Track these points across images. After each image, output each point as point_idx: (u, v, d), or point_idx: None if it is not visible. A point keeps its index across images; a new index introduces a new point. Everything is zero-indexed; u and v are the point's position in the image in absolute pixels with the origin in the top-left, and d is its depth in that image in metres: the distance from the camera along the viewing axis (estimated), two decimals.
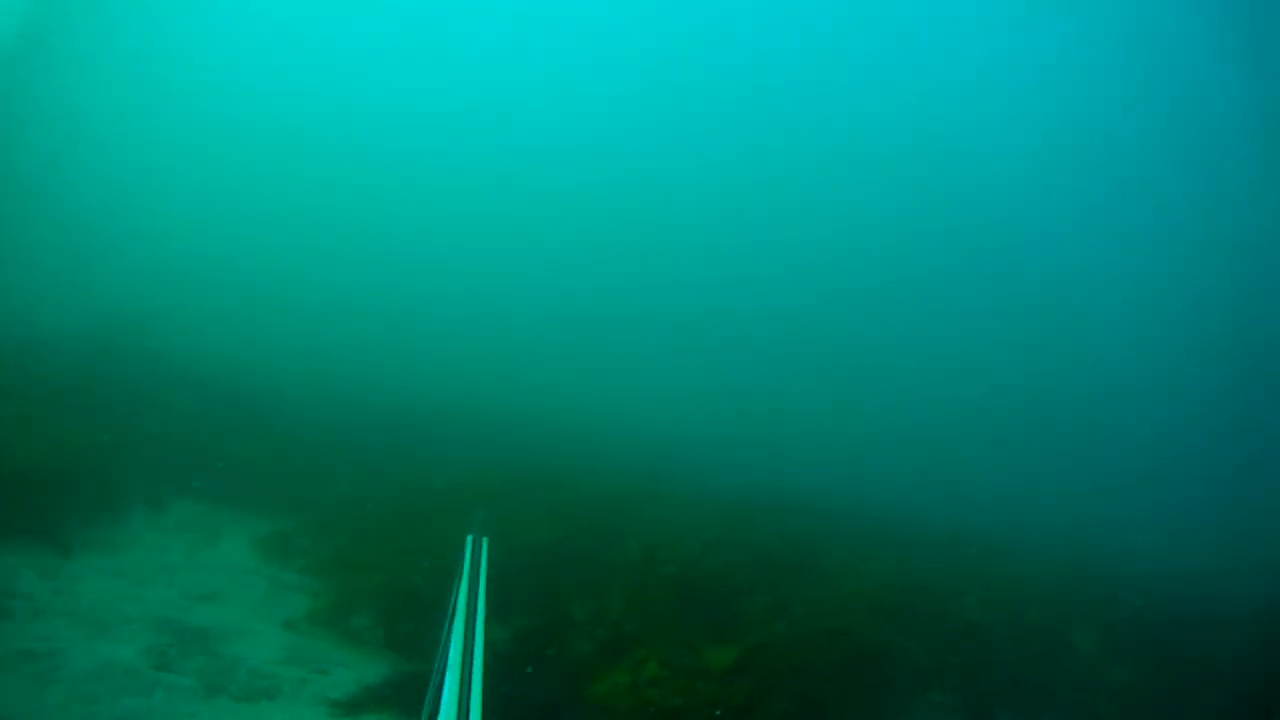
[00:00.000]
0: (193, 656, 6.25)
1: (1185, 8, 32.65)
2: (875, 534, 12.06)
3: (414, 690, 6.28)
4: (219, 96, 33.58)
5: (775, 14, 42.05)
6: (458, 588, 2.95)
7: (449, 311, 25.49)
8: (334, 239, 28.61)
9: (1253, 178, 32.69)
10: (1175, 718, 8.08)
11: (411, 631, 7.33)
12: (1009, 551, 12.40)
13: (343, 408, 13.12)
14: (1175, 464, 20.76)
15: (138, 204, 22.62)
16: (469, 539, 3.31)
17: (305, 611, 7.39)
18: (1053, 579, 11.25)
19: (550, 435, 14.72)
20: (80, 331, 12.38)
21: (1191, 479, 19.63)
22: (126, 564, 7.71)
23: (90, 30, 27.75)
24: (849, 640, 7.49)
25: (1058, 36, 39.34)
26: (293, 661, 6.64)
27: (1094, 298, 35.67)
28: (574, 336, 25.85)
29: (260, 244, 25.06)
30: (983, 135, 40.36)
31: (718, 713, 6.02)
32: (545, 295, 30.33)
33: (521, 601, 7.53)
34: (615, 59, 42.95)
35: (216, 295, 18.44)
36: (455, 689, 2.10)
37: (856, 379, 27.22)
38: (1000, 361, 30.45)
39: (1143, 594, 10.64)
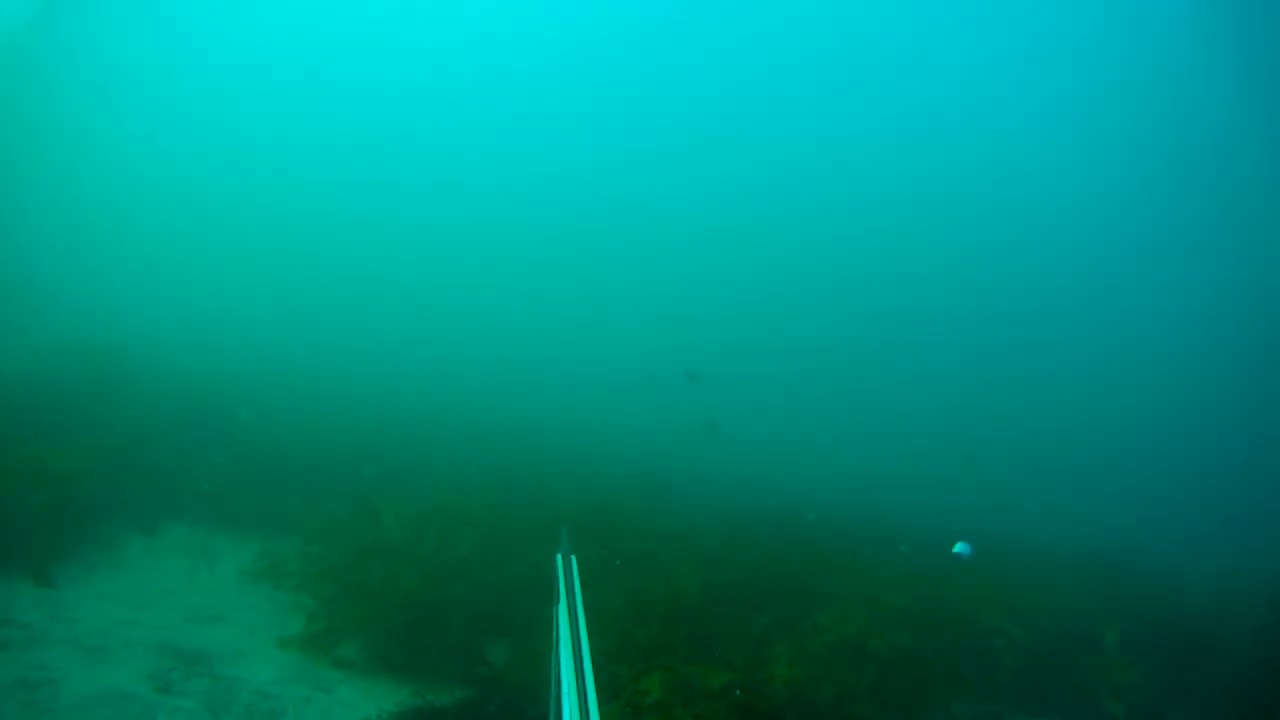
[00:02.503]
0: (195, 679, 6.10)
1: (1193, 12, 32.96)
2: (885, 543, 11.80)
3: (414, 712, 6.13)
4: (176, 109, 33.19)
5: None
6: (557, 613, 2.88)
7: (443, 325, 25.18)
8: (314, 251, 28.21)
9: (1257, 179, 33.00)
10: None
11: (409, 651, 7.17)
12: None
13: (334, 429, 12.88)
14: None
15: (97, 234, 22.15)
16: (559, 557, 3.18)
17: (305, 632, 7.23)
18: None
19: (541, 449, 14.48)
20: (51, 361, 12.04)
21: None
22: (124, 589, 7.53)
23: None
24: (862, 655, 7.35)
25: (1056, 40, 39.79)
26: (296, 681, 6.48)
27: (1096, 306, 35.75)
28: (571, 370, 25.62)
29: (237, 263, 24.72)
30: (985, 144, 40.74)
31: (737, 692, 5.88)
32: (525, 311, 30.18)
33: (522, 625, 7.36)
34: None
35: (192, 317, 18.13)
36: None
37: (859, 396, 27.11)
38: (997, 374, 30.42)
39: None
